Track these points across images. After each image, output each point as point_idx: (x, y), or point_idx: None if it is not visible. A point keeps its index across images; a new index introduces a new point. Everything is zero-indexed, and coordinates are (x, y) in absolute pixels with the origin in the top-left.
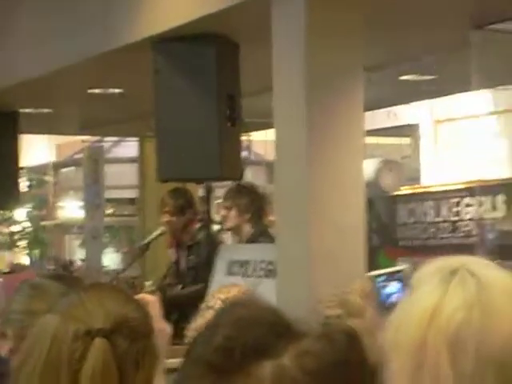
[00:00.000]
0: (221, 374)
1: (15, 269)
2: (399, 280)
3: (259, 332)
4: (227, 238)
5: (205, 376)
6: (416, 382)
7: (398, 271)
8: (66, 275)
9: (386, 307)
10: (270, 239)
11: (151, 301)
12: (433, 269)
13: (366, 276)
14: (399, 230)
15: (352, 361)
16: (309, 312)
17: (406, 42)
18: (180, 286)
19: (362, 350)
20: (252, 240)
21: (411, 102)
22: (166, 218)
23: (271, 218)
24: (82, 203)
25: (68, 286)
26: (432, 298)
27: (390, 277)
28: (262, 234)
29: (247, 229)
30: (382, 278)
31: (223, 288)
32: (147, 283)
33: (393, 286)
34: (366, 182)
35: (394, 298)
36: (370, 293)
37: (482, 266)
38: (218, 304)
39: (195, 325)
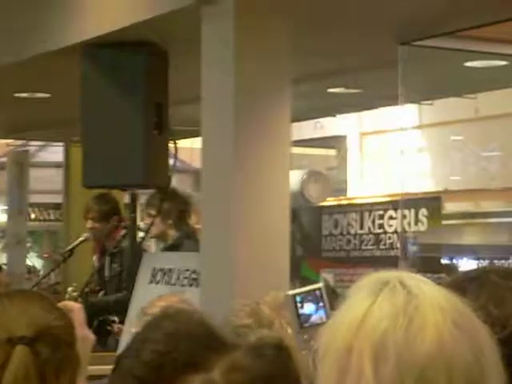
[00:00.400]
0: None
1: None
2: (314, 301)
3: (189, 346)
4: (151, 245)
5: None
6: None
7: (315, 289)
8: None
9: (304, 327)
10: (195, 242)
11: (75, 308)
12: (368, 280)
13: (282, 290)
14: (323, 241)
15: (279, 374)
16: (221, 321)
17: (334, 55)
18: (102, 293)
19: (290, 364)
20: (178, 243)
21: (338, 114)
22: (90, 224)
23: (196, 225)
24: (5, 207)
25: None
26: (362, 306)
27: (308, 296)
28: (187, 237)
29: (172, 234)
30: (300, 298)
31: (164, 296)
32: (70, 289)
33: (309, 307)
34: (291, 192)
35: (313, 319)
36: (281, 305)
37: (416, 280)
38: (155, 311)
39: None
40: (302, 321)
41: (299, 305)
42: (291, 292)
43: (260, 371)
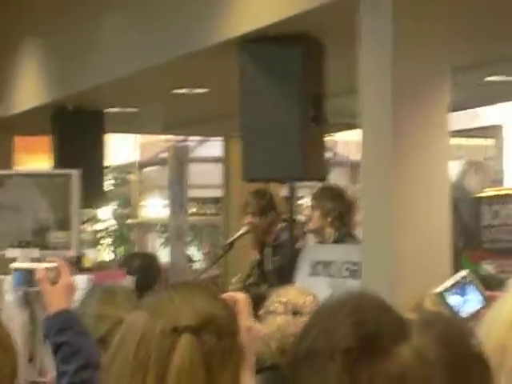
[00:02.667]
0: (360, 357)
1: (99, 266)
2: (460, 293)
3: (383, 317)
4: (310, 239)
5: (344, 365)
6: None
7: (461, 279)
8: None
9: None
10: (354, 241)
11: (241, 298)
12: None
13: (433, 293)
14: (483, 232)
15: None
16: None
17: (493, 43)
18: (266, 286)
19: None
20: (336, 242)
21: (496, 103)
22: (248, 218)
23: (356, 219)
24: (165, 202)
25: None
26: None
27: (452, 289)
28: (344, 236)
29: (329, 232)
30: (447, 293)
31: (281, 291)
32: (233, 280)
33: (455, 299)
34: (451, 183)
35: (466, 309)
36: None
37: None
38: (279, 308)
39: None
40: (457, 313)
41: (451, 295)
42: (436, 291)
43: (460, 331)
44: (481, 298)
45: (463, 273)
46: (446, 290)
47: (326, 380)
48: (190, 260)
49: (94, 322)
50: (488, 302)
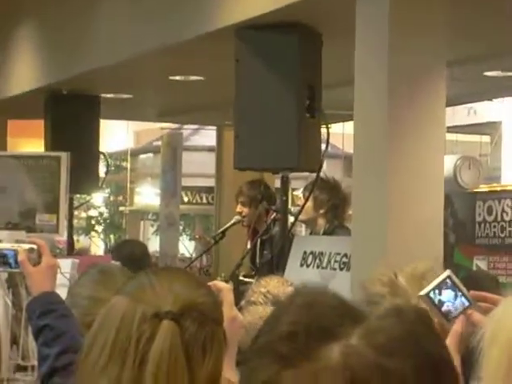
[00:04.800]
0: (288, 360)
1: (79, 252)
2: (451, 288)
3: (323, 315)
4: (302, 230)
5: (272, 364)
6: (508, 379)
7: (444, 280)
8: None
9: (450, 318)
10: (347, 231)
11: (224, 288)
12: None
13: (418, 295)
14: (477, 227)
15: (422, 333)
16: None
17: (490, 38)
18: (256, 278)
19: (431, 324)
20: (328, 232)
21: (494, 98)
22: (239, 208)
23: (348, 212)
24: (158, 190)
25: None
26: None
27: (442, 286)
28: (337, 227)
29: (321, 223)
30: (434, 293)
31: (262, 281)
32: (223, 274)
33: (448, 294)
34: (445, 178)
35: (455, 306)
36: (421, 276)
37: None
38: (260, 298)
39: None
40: (446, 314)
41: (437, 296)
42: (422, 292)
43: (402, 330)
44: (464, 298)
45: (446, 273)
46: (432, 290)
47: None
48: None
49: (88, 304)
50: (473, 301)
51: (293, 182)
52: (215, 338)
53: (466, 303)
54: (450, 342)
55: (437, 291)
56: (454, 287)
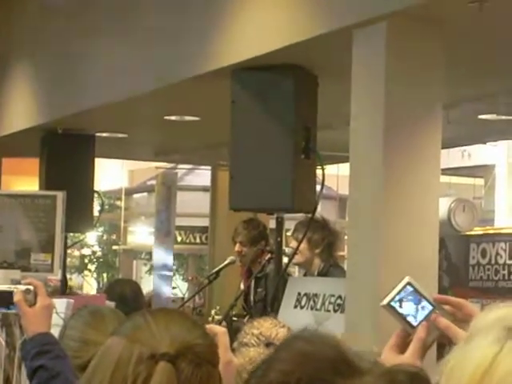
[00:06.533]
0: None
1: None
2: (412, 299)
3: (316, 368)
4: (295, 271)
5: None
6: None
7: (404, 287)
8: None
9: (415, 326)
10: (342, 270)
11: (219, 331)
12: (491, 320)
13: (381, 305)
14: (470, 270)
15: None
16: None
17: (485, 81)
18: (247, 318)
19: None
20: (324, 272)
21: (488, 141)
22: (237, 247)
23: (341, 253)
24: (152, 229)
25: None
26: (485, 355)
27: (402, 297)
28: (332, 266)
29: (317, 263)
30: (395, 303)
31: (255, 322)
32: (213, 311)
33: (409, 307)
34: (439, 220)
35: (420, 315)
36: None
37: None
38: (252, 340)
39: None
40: (410, 321)
41: (399, 307)
42: (384, 302)
43: None
44: (427, 302)
45: (406, 280)
46: (393, 299)
47: None
48: (174, 288)
49: (78, 346)
50: (436, 304)
51: (286, 222)
52: (211, 380)
53: (430, 307)
54: (413, 348)
55: (401, 298)
56: (415, 293)
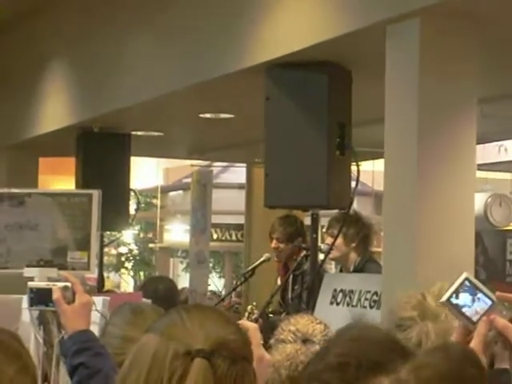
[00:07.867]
0: None
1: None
2: (469, 291)
3: (373, 350)
4: (331, 267)
5: None
6: None
7: (462, 283)
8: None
9: (475, 322)
10: (378, 265)
11: (251, 327)
12: None
13: (440, 302)
14: (507, 265)
15: (468, 372)
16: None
17: None
18: (283, 315)
19: (478, 363)
20: (360, 267)
21: None
22: (274, 244)
23: (376, 248)
24: (188, 227)
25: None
26: None
27: (460, 290)
28: (368, 261)
29: (353, 257)
30: (455, 298)
31: (291, 319)
32: (248, 307)
33: (465, 298)
34: (475, 215)
35: (477, 309)
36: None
37: None
38: (289, 337)
39: (272, 361)
40: (470, 317)
41: (457, 302)
42: (443, 299)
43: (449, 368)
44: (487, 298)
45: (464, 275)
46: (452, 296)
47: None
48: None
49: (120, 343)
50: (496, 300)
51: (322, 219)
52: (246, 376)
53: (489, 302)
54: (475, 343)
55: (454, 295)
56: (474, 289)
